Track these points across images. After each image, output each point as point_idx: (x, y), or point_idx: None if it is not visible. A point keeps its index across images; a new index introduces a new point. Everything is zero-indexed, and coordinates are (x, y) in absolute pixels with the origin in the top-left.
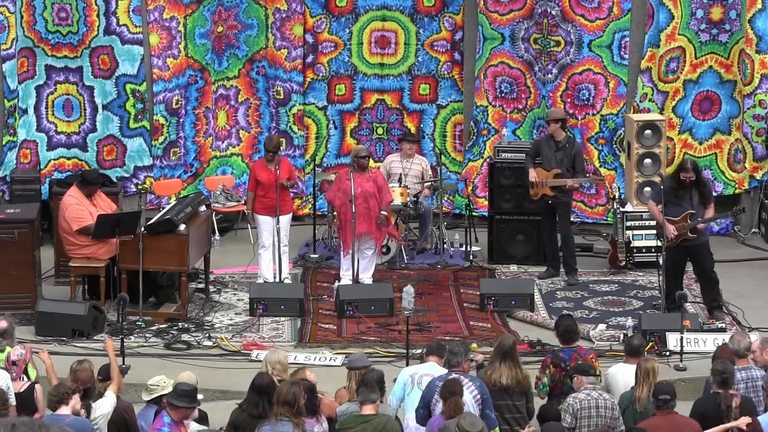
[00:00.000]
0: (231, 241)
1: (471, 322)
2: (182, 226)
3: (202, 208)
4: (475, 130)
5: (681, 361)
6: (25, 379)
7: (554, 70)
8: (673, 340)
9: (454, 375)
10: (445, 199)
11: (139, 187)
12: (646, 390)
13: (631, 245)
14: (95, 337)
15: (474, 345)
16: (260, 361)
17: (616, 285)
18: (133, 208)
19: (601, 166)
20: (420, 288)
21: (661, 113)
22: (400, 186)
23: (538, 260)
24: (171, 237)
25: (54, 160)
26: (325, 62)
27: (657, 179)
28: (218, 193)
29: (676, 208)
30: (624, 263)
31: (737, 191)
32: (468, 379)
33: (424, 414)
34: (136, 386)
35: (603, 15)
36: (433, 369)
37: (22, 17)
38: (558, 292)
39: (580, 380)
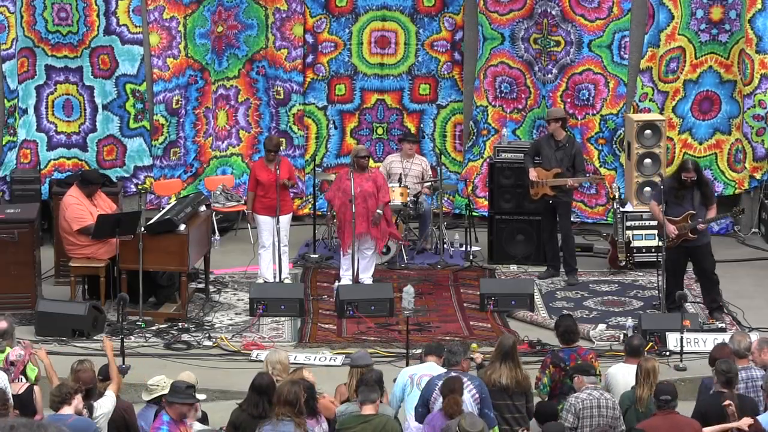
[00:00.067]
0: (231, 241)
1: (471, 322)
2: (182, 226)
3: (202, 208)
4: (475, 130)
5: (681, 361)
6: (24, 380)
7: (554, 70)
8: (673, 340)
9: (453, 373)
10: (445, 199)
11: (139, 187)
12: (647, 390)
13: (631, 245)
14: (95, 337)
15: (474, 345)
16: (260, 361)
17: (616, 285)
18: (133, 208)
19: (601, 166)
20: (420, 288)
21: (661, 113)
22: (400, 186)
23: (538, 260)
24: (171, 237)
25: (54, 160)
26: (325, 62)
27: (657, 179)
28: (218, 193)
29: (677, 209)
30: (624, 263)
31: (737, 191)
32: (467, 378)
33: (422, 412)
34: (136, 386)
35: (603, 15)
36: (432, 369)
37: (22, 17)
38: (558, 292)
39: (581, 380)
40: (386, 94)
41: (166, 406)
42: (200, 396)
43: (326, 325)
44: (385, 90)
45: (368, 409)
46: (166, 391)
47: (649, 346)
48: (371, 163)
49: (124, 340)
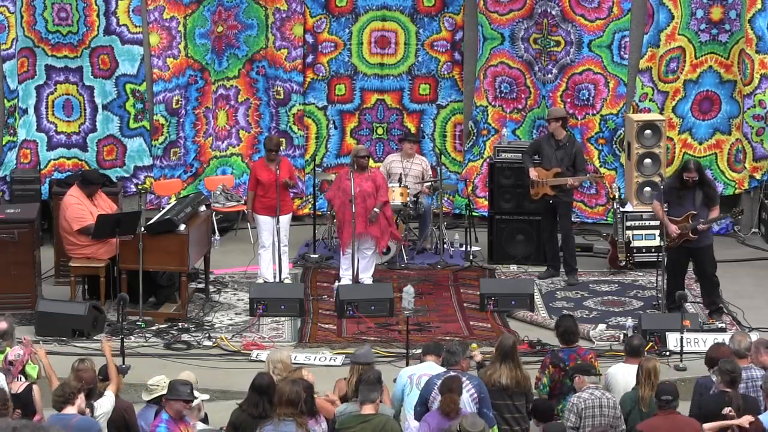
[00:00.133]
0: (231, 241)
1: (471, 322)
2: (182, 226)
3: (202, 208)
4: (475, 130)
5: (681, 361)
6: (23, 379)
7: (554, 70)
8: (673, 340)
9: (453, 373)
10: (445, 199)
11: (139, 187)
12: (649, 390)
13: (631, 245)
14: (95, 337)
15: (474, 345)
16: (260, 361)
17: (616, 285)
18: (133, 208)
19: (601, 166)
20: (420, 288)
21: (661, 113)
22: (400, 186)
23: (538, 260)
24: (171, 237)
25: (54, 160)
26: (325, 62)
27: (657, 179)
28: (218, 193)
29: (679, 209)
30: (624, 263)
31: (737, 191)
32: (466, 377)
33: (421, 411)
34: (136, 386)
35: (603, 15)
36: (431, 368)
37: (22, 17)
38: (558, 292)
39: (582, 380)
40: (386, 94)
41: (166, 405)
42: (204, 396)
43: (326, 325)
44: (385, 90)
45: (368, 409)
46: (165, 391)
47: (649, 346)
48: (371, 163)
49: (124, 340)
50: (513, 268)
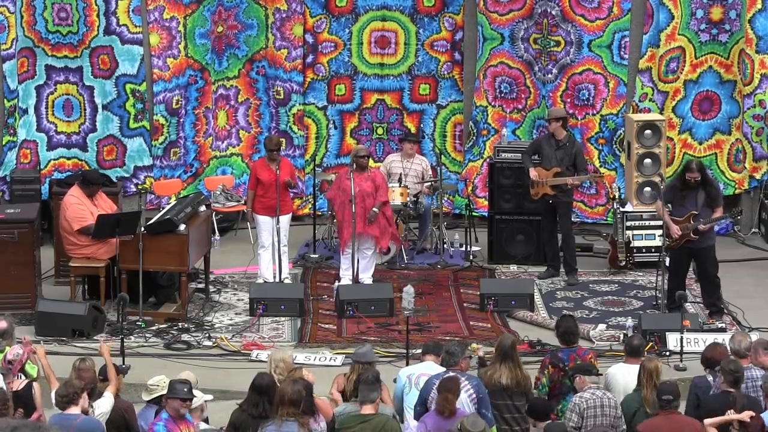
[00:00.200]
0: (231, 241)
1: (471, 322)
2: (182, 226)
3: (202, 208)
4: (474, 130)
5: (681, 361)
6: (23, 377)
7: (554, 70)
8: (673, 340)
9: (452, 373)
10: (445, 199)
11: (139, 187)
12: (651, 391)
13: (631, 245)
14: (95, 337)
15: (474, 345)
16: (260, 361)
17: (616, 285)
18: (133, 208)
19: (601, 166)
20: (420, 288)
21: (661, 113)
22: (400, 186)
23: (538, 260)
24: (171, 237)
25: (54, 160)
26: (325, 62)
27: (657, 179)
28: (218, 193)
29: (681, 209)
30: (624, 263)
31: (737, 191)
32: (465, 378)
33: (421, 411)
34: (136, 386)
35: (603, 15)
36: (430, 368)
37: (22, 17)
38: (558, 292)
39: (583, 380)
40: (386, 94)
41: (164, 403)
42: (207, 396)
43: (326, 325)
44: (385, 90)
45: (368, 409)
46: (166, 391)
47: (649, 346)
48: (371, 163)
49: (124, 340)
50: (513, 268)
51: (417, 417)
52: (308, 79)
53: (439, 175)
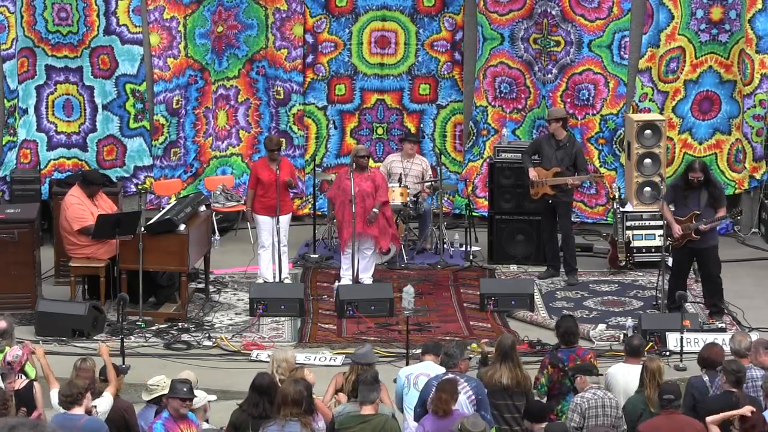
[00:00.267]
0: (231, 241)
1: (471, 322)
2: (182, 226)
3: (202, 208)
4: (474, 130)
5: (681, 361)
6: (24, 377)
7: (554, 70)
8: (673, 340)
9: (450, 375)
10: (445, 199)
11: (139, 187)
12: (654, 391)
13: (631, 245)
14: (95, 337)
15: (474, 345)
16: (260, 361)
17: (616, 285)
18: (133, 208)
19: (601, 166)
20: (420, 288)
21: (661, 113)
22: (400, 186)
23: (538, 260)
24: (171, 237)
25: (54, 160)
26: (325, 62)
27: (657, 179)
28: (218, 193)
29: (683, 209)
30: (624, 263)
31: (737, 191)
32: (464, 379)
33: (420, 412)
34: (136, 386)
35: (603, 15)
36: (429, 368)
37: (22, 17)
38: (558, 292)
39: (584, 380)
40: (386, 94)
41: (164, 403)
42: (211, 396)
43: (326, 325)
44: (385, 90)
45: (367, 409)
46: (166, 391)
47: (649, 346)
48: (371, 163)
49: (124, 340)
50: (513, 268)
51: (417, 419)
52: (308, 79)
53: (439, 175)
